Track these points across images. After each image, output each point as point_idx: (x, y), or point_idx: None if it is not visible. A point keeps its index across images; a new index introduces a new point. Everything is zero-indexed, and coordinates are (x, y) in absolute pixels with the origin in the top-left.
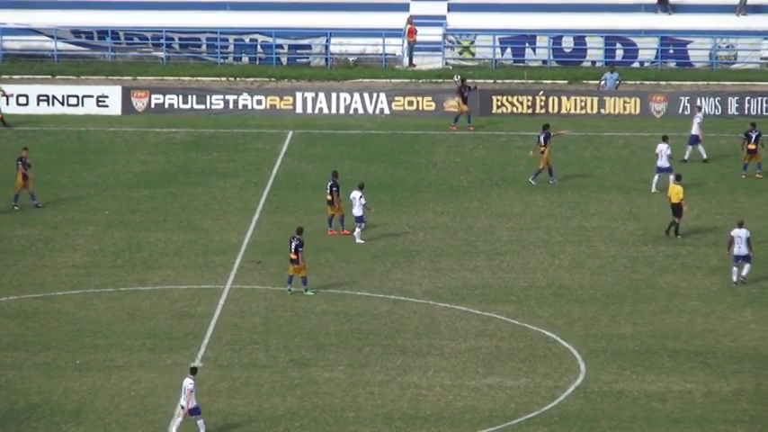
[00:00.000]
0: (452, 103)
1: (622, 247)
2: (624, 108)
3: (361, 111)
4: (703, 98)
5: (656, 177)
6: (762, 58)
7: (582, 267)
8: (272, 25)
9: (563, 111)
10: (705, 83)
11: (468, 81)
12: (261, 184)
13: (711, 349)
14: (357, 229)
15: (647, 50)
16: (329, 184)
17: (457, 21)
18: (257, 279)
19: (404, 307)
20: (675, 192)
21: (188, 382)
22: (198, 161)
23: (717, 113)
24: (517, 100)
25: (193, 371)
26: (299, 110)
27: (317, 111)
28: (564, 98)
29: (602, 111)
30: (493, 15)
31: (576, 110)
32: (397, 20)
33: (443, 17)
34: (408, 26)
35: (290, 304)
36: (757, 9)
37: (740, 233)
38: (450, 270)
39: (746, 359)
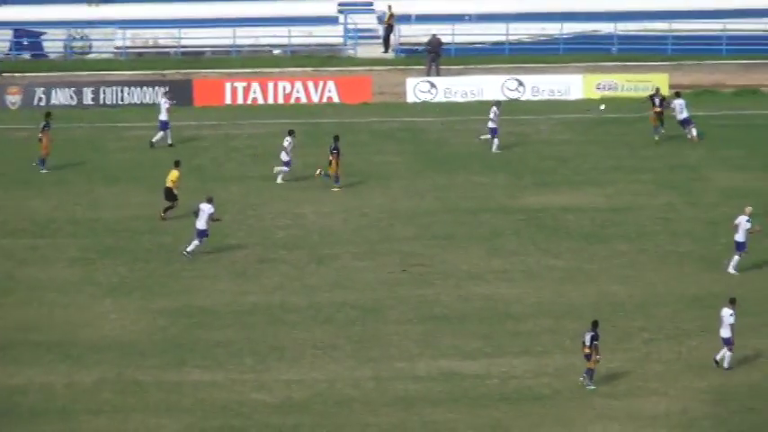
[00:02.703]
0: None
1: None
2: None
3: None
4: (58, 89)
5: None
6: (116, 48)
7: None
8: None
9: None
10: (60, 73)
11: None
12: None
13: (72, 340)
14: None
15: None
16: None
17: None
18: None
19: None
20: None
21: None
22: None
23: (72, 104)
24: None
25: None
26: None
27: None
28: None
29: None
30: None
31: None
32: None
33: None
34: None
35: None
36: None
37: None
38: None
39: (107, 349)
